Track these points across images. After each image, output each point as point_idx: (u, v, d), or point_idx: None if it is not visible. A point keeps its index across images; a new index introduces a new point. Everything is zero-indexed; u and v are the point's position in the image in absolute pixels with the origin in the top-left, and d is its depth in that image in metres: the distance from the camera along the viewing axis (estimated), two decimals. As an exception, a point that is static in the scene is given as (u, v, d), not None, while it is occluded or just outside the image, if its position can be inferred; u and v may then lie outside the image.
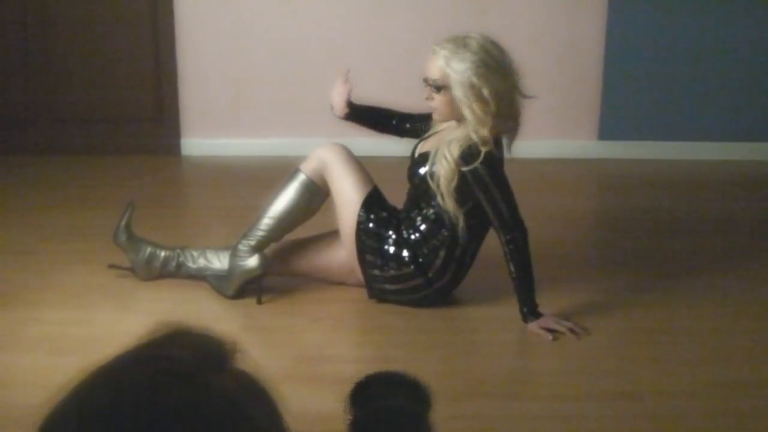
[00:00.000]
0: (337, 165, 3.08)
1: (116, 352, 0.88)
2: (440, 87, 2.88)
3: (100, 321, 3.00)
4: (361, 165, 3.13)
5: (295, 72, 5.19)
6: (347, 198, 3.07)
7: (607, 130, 5.27)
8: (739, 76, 5.19)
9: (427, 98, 2.95)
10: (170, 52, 5.16)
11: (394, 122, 3.30)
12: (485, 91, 2.81)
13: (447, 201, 2.91)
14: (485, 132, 2.84)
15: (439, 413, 2.47)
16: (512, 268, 2.91)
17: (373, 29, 5.16)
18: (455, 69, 2.83)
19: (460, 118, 2.92)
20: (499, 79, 2.84)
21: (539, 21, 5.10)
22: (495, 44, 2.89)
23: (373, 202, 3.08)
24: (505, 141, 2.99)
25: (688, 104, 5.23)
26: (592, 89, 5.21)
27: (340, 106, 3.25)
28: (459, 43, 2.86)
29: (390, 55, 5.17)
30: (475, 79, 2.81)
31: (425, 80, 2.94)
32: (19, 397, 2.50)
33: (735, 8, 5.09)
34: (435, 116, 3.02)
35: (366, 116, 3.31)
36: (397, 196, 3.19)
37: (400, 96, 5.07)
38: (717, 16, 5.10)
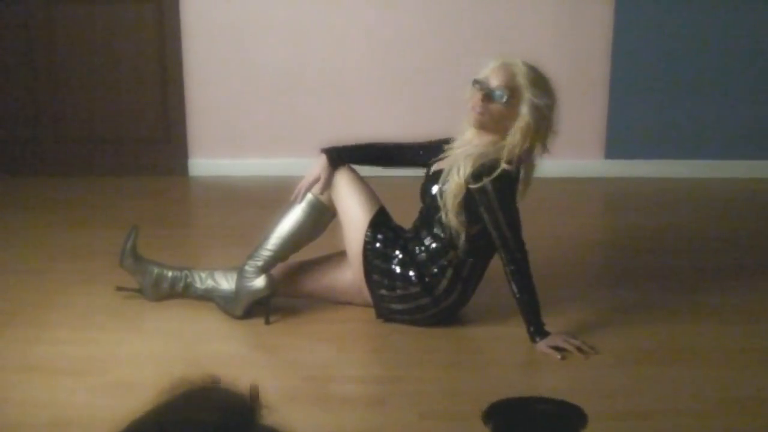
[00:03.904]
0: (343, 185, 3.09)
1: (138, 414, 0.86)
2: (509, 98, 2.89)
3: (106, 341, 3.00)
4: (368, 185, 3.14)
5: (301, 93, 5.21)
6: (354, 218, 3.07)
7: (613, 149, 5.27)
8: (744, 96, 5.19)
9: (483, 100, 2.90)
10: (177, 73, 5.19)
11: (399, 156, 3.25)
12: (548, 121, 2.91)
13: (450, 216, 2.91)
14: (517, 152, 2.88)
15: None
16: (515, 289, 2.91)
17: (378, 52, 5.18)
18: (534, 92, 2.87)
19: (497, 133, 2.93)
20: (555, 113, 2.94)
21: (545, 40, 5.11)
22: None
23: (380, 222, 3.08)
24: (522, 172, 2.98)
25: (694, 123, 5.24)
26: (599, 108, 5.22)
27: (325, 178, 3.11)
28: (537, 69, 2.92)
29: (395, 78, 5.19)
30: (547, 111, 2.90)
31: (483, 84, 2.90)
32: (23, 417, 2.50)
33: (742, 28, 5.10)
34: (475, 121, 2.94)
35: (362, 157, 3.21)
36: (403, 216, 3.19)
37: (404, 118, 5.11)
38: (724, 36, 5.11)
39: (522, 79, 2.88)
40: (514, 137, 2.88)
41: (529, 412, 1.39)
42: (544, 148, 2.97)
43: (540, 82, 2.91)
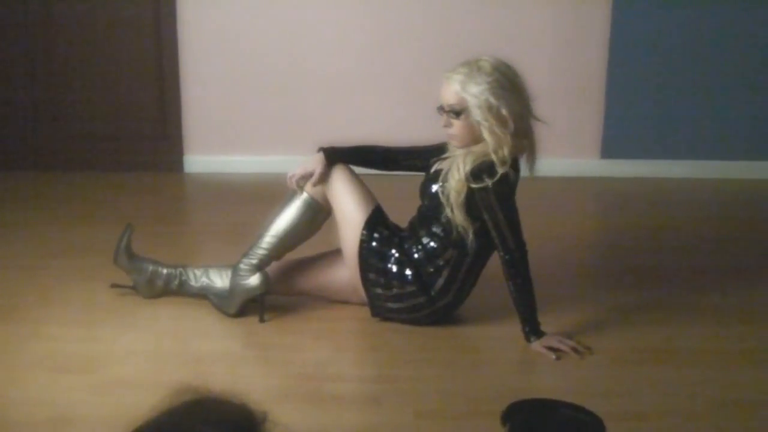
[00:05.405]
0: (339, 184, 3.08)
1: (140, 423, 0.83)
2: (458, 112, 2.88)
3: (102, 338, 2.99)
4: (363, 184, 3.13)
5: (297, 90, 5.21)
6: (350, 217, 3.06)
7: (609, 149, 5.28)
8: (741, 96, 5.20)
9: (445, 125, 2.94)
10: (173, 70, 5.18)
11: (400, 160, 3.23)
12: (503, 111, 2.84)
13: (456, 213, 2.90)
14: (505, 152, 2.85)
15: (442, 433, 2.46)
16: (512, 288, 2.91)
17: (375, 50, 5.18)
18: (472, 92, 2.85)
19: (479, 142, 2.92)
20: (515, 99, 2.87)
21: (542, 40, 5.11)
22: (507, 65, 2.91)
23: (376, 221, 3.07)
24: (524, 161, 2.97)
25: (690, 123, 5.24)
26: (595, 108, 5.22)
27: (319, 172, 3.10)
28: (472, 66, 2.88)
29: (391, 76, 5.19)
30: (492, 100, 2.83)
31: (441, 108, 2.94)
32: (20, 415, 2.49)
33: (739, 28, 5.11)
34: (455, 143, 2.98)
35: (359, 159, 3.21)
36: (399, 214, 3.18)
37: (401, 117, 5.11)
38: (721, 36, 5.11)
39: (459, 86, 2.87)
40: (490, 141, 2.87)
41: (547, 415, 1.38)
42: (532, 114, 2.93)
43: (471, 76, 2.86)
